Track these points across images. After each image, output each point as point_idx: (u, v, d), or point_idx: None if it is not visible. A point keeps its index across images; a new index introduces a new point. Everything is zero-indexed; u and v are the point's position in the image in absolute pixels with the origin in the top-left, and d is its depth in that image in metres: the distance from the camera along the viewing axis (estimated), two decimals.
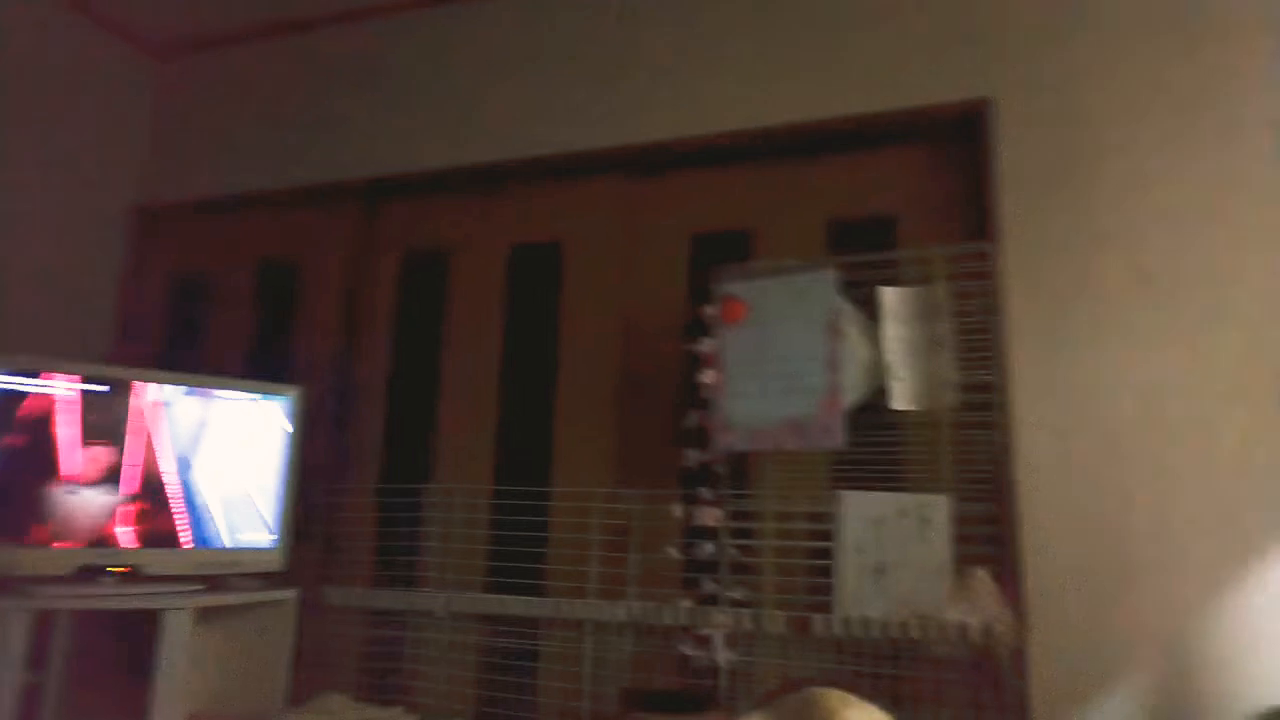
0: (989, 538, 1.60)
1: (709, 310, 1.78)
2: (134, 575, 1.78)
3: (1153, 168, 1.64)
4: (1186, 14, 1.68)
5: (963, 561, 1.57)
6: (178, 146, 2.55)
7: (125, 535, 1.80)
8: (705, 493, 1.77)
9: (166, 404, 1.87)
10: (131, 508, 1.81)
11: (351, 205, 2.35)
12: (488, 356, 2.17)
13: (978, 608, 1.54)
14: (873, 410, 1.66)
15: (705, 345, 1.76)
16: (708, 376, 1.73)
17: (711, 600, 1.73)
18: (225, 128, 2.50)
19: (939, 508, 1.59)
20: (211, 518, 1.90)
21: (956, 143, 1.86)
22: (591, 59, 2.13)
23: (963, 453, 1.64)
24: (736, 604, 1.72)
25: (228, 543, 1.91)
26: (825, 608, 1.63)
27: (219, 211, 2.47)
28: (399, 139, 2.27)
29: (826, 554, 1.65)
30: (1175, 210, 1.62)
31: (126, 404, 1.83)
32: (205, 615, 1.87)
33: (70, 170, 2.35)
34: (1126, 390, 1.58)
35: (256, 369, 2.32)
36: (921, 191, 1.89)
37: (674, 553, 1.78)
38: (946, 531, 1.58)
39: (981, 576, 1.55)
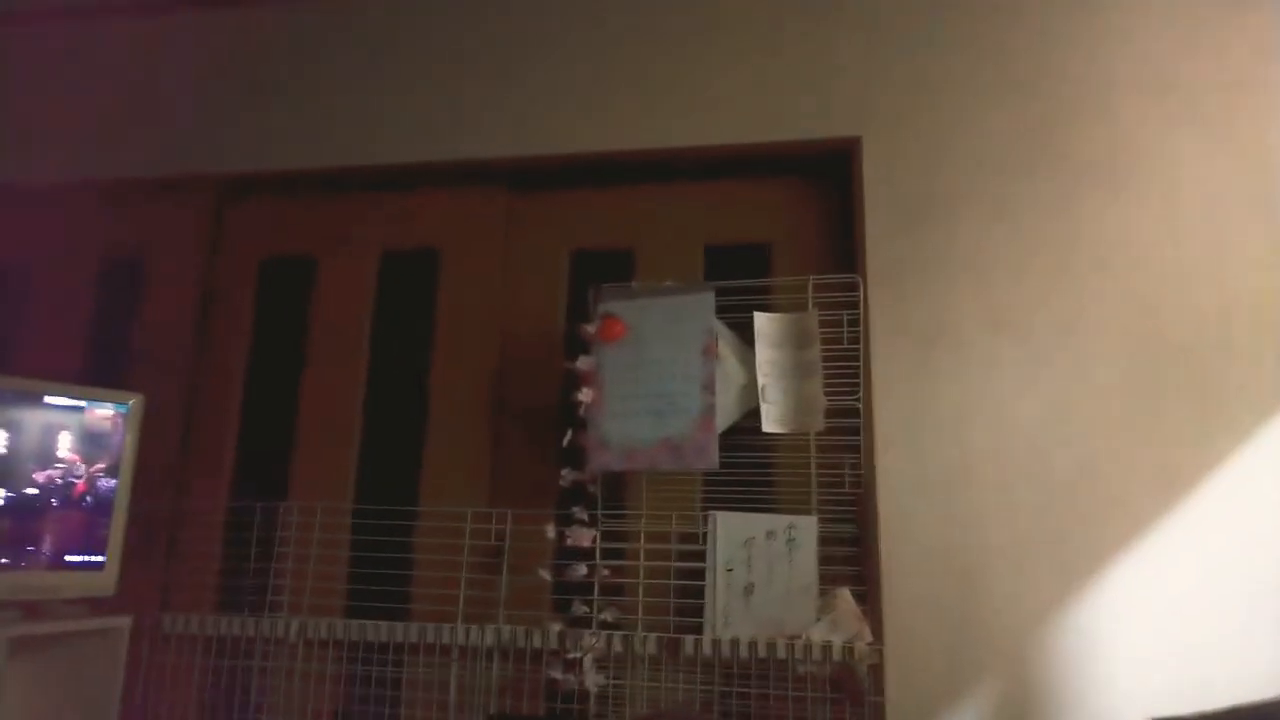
0: (853, 558, 1.66)
1: (588, 328, 1.77)
2: None
3: (1006, 215, 1.76)
4: (1041, 71, 1.82)
5: (828, 581, 1.62)
6: (13, 125, 2.31)
7: None
8: (579, 513, 1.75)
9: None
10: None
11: (203, 201, 2.19)
12: (354, 367, 2.07)
13: (841, 627, 1.58)
14: (745, 432, 1.69)
15: (583, 363, 1.75)
16: (585, 395, 1.72)
17: (583, 623, 1.71)
18: (60, 108, 2.27)
19: (807, 528, 1.64)
20: (37, 536, 1.72)
21: (829, 177, 1.93)
22: (476, 66, 2.09)
23: (829, 475, 1.70)
24: (607, 626, 1.70)
25: (50, 564, 1.72)
26: (696, 629, 1.64)
27: (52, 199, 2.25)
28: (262, 135, 2.14)
29: (698, 575, 1.66)
30: (1025, 257, 1.74)
31: None
32: (22, 646, 1.68)
33: None
34: (979, 421, 1.68)
35: (92, 372, 2.12)
36: (796, 221, 1.95)
37: (545, 575, 1.75)
38: (813, 552, 1.62)
39: (844, 596, 1.60)
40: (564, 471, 1.76)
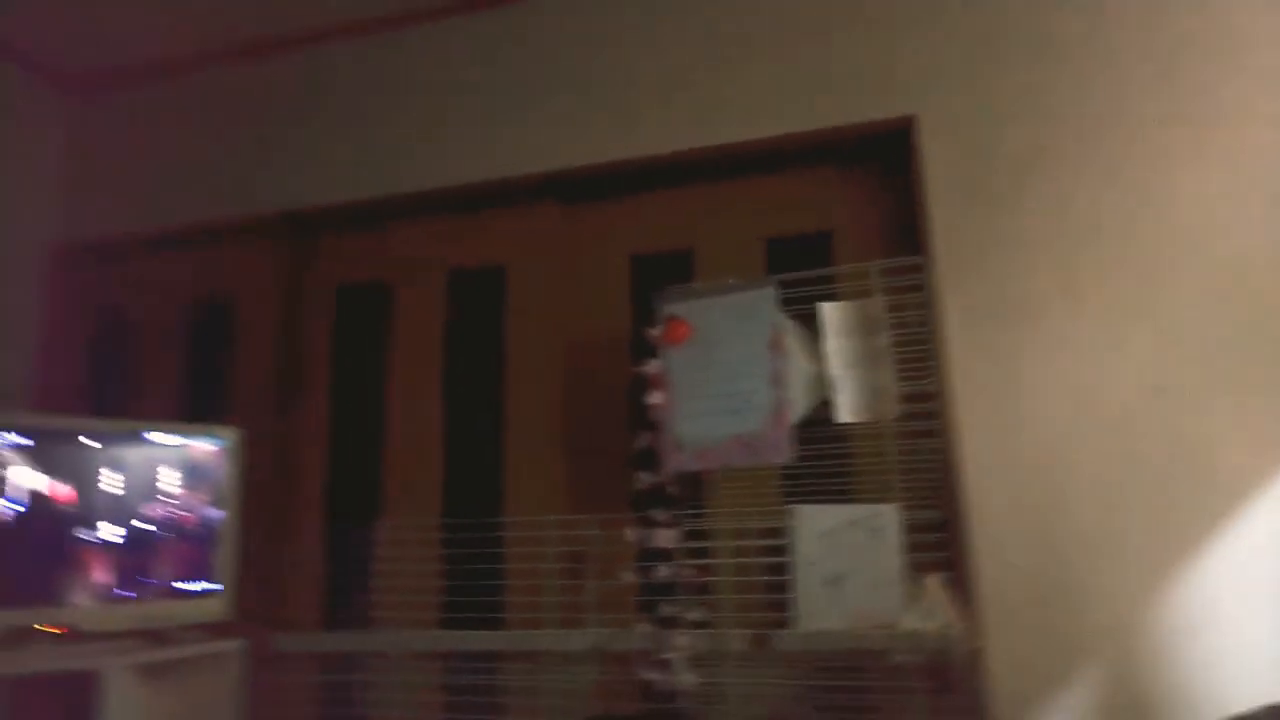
0: (939, 544, 1.63)
1: (653, 331, 1.79)
2: (70, 634, 1.70)
3: (1078, 183, 1.70)
4: (1105, 31, 1.75)
5: (915, 569, 1.60)
6: (97, 183, 2.47)
7: (63, 592, 1.72)
8: (659, 515, 1.77)
9: (105, 451, 1.80)
10: (66, 562, 1.73)
11: (282, 239, 2.30)
12: (431, 387, 2.14)
13: (933, 614, 1.56)
14: (819, 424, 1.67)
15: (651, 366, 1.76)
16: (655, 398, 1.73)
17: (670, 623, 1.73)
18: (145, 163, 2.42)
19: (889, 517, 1.61)
20: (153, 567, 1.83)
21: (888, 159, 1.90)
22: (529, 82, 2.13)
23: (908, 462, 1.67)
24: (695, 625, 1.71)
25: (166, 593, 1.84)
26: (784, 623, 1.64)
27: (143, 248, 2.39)
28: (328, 170, 2.24)
29: (781, 569, 1.66)
30: (1101, 226, 1.67)
31: (58, 453, 1.75)
32: (148, 672, 1.80)
33: None
34: (1063, 397, 1.63)
35: (192, 410, 2.25)
36: (856, 207, 1.93)
37: (630, 577, 1.77)
38: (897, 540, 1.60)
39: (934, 583, 1.57)
40: (640, 474, 1.78)
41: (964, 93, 1.80)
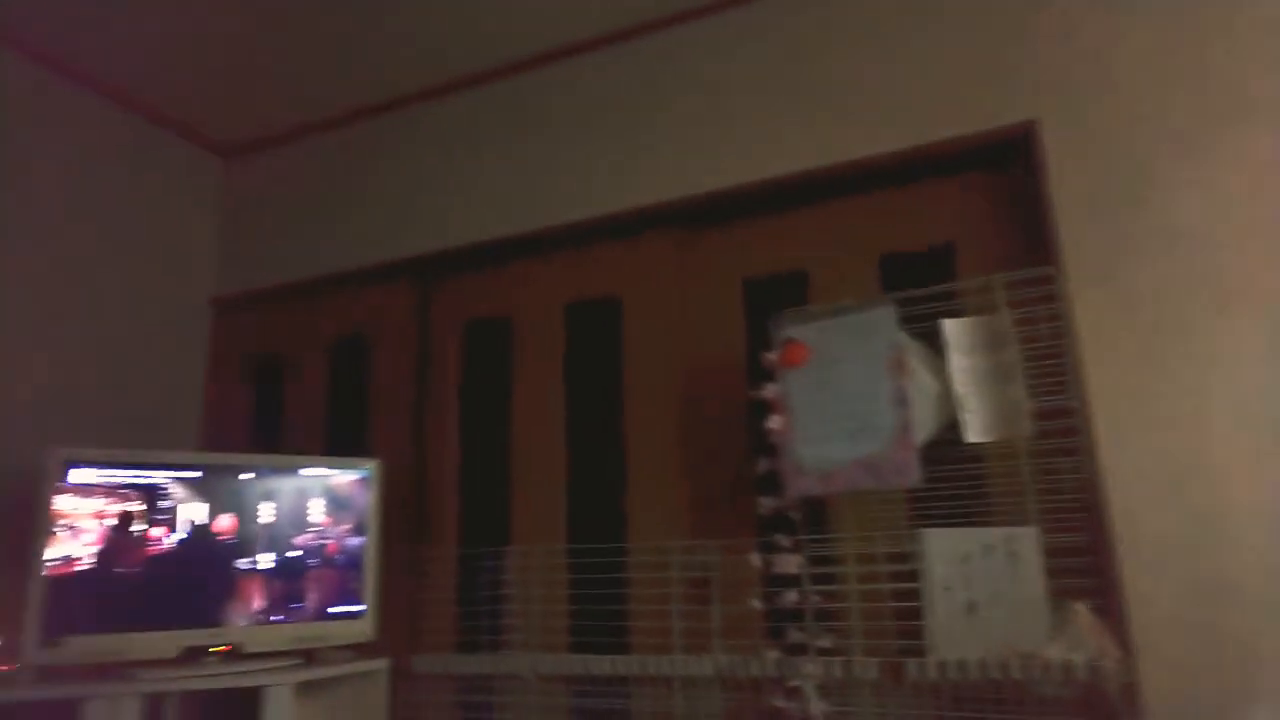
0: (1084, 569, 1.54)
1: (770, 355, 1.79)
2: (234, 653, 1.85)
3: (1217, 178, 1.59)
4: (1244, 14, 1.64)
5: (1058, 596, 1.52)
6: (246, 238, 2.70)
7: (226, 614, 1.87)
8: (783, 540, 1.75)
9: (260, 483, 1.96)
10: (230, 587, 1.89)
11: (410, 281, 2.44)
12: (554, 416, 2.20)
13: (1081, 643, 1.47)
14: (947, 445, 1.62)
15: (770, 390, 1.76)
16: (774, 422, 1.73)
17: (799, 649, 1.70)
18: (288, 217, 2.64)
19: (1027, 541, 1.54)
20: (303, 592, 1.97)
21: (1007, 167, 1.84)
22: (636, 115, 2.18)
23: (1046, 482, 1.60)
24: (824, 652, 1.69)
25: (317, 616, 1.97)
26: (918, 651, 1.59)
27: (289, 296, 2.59)
28: (452, 215, 2.36)
29: (913, 595, 1.61)
30: (1247, 223, 1.56)
31: (220, 487, 1.92)
32: (304, 690, 1.92)
33: (150, 265, 2.51)
34: (1213, 406, 1.52)
35: (338, 443, 2.41)
36: (976, 219, 1.87)
37: (756, 603, 1.76)
38: (1038, 565, 1.53)
39: (1081, 610, 1.49)
40: (762, 499, 1.77)
41: (1091, 93, 1.72)
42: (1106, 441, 1.57)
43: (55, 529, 1.74)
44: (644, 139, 2.16)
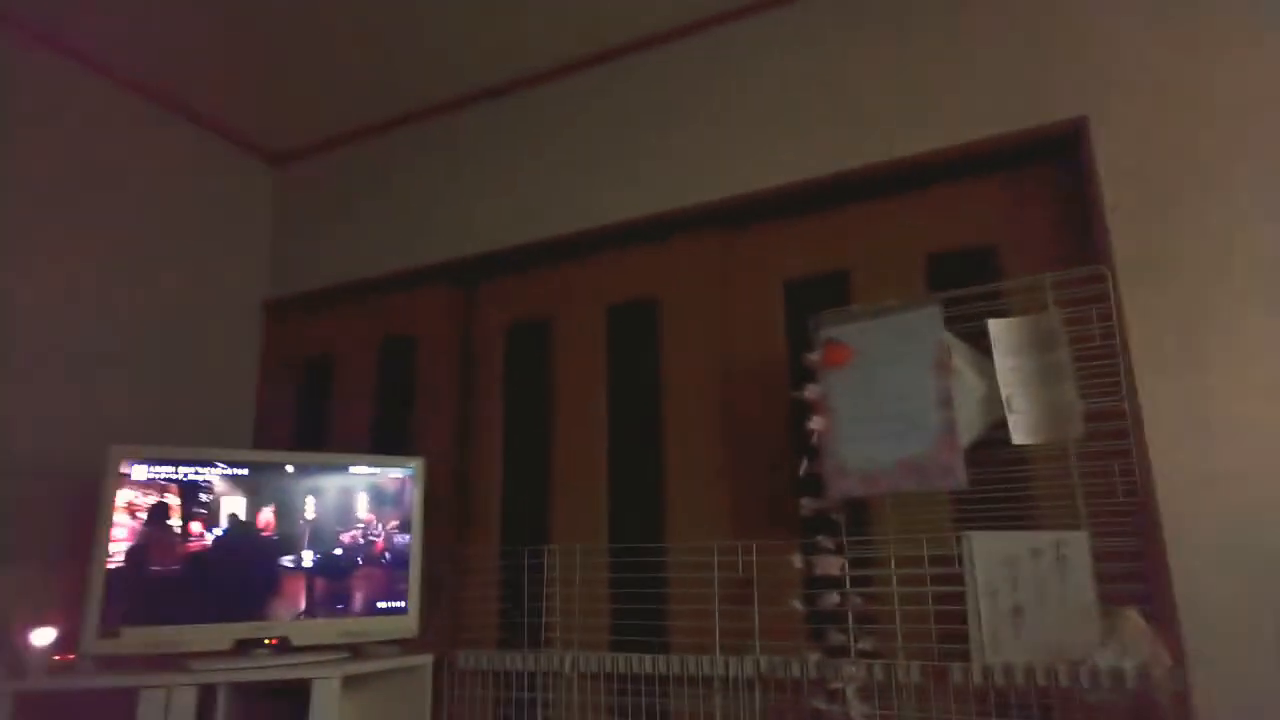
0: (1134, 575, 1.51)
1: (812, 356, 1.78)
2: (283, 646, 1.90)
3: (1272, 174, 1.55)
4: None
5: (1109, 601, 1.49)
6: (296, 242, 2.77)
7: (275, 607, 1.92)
8: (825, 541, 1.74)
9: (306, 481, 2.01)
10: (279, 581, 1.94)
11: (457, 283, 2.49)
12: (595, 416, 2.22)
13: (1131, 650, 1.44)
14: (993, 446, 1.60)
15: (811, 391, 1.75)
16: (816, 423, 1.72)
17: (840, 651, 1.69)
18: (336, 222, 2.70)
19: (1077, 544, 1.51)
20: (350, 587, 2.01)
21: (1054, 164, 1.81)
22: (679, 116, 2.19)
23: (1096, 485, 1.56)
24: (866, 655, 1.67)
25: (363, 611, 2.01)
26: (962, 655, 1.57)
27: (337, 299, 2.65)
28: (495, 218, 2.39)
29: (957, 599, 1.59)
30: None
31: (271, 484, 1.97)
32: (350, 683, 1.96)
33: (205, 270, 2.58)
34: (1267, 406, 1.47)
35: (383, 442, 2.46)
36: (1024, 217, 1.84)
37: (798, 604, 1.75)
38: (1088, 569, 1.50)
39: (1132, 616, 1.46)
40: (804, 500, 1.76)
41: (1141, 89, 1.68)
42: (1157, 444, 1.53)
43: (113, 523, 1.80)
44: (682, 141, 2.17)
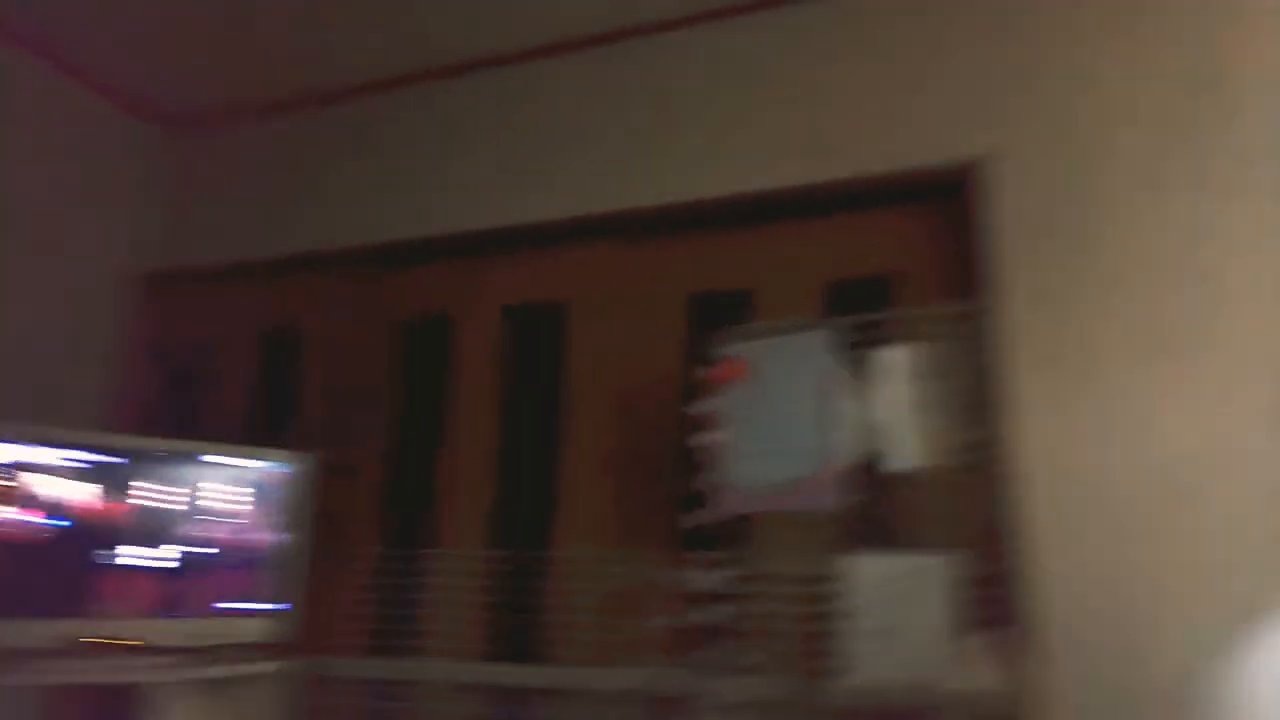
0: (996, 599, 1.57)
1: (708, 371, 1.79)
2: (130, 647, 1.76)
3: (1149, 229, 1.65)
4: (1178, 58, 1.71)
5: (971, 623, 1.54)
6: (183, 214, 2.61)
7: (122, 605, 1.78)
8: (708, 556, 1.75)
9: (167, 470, 1.88)
10: (129, 576, 1.80)
11: (349, 273, 2.39)
12: (488, 419, 2.17)
13: (987, 671, 1.50)
14: (874, 470, 1.64)
15: (705, 406, 1.76)
16: (708, 438, 1.73)
17: (715, 667, 1.70)
18: (229, 196, 2.56)
19: (944, 569, 1.56)
20: (210, 586, 1.89)
21: (952, 201, 1.88)
22: (593, 124, 2.18)
23: (966, 512, 1.62)
24: (741, 671, 1.68)
25: (226, 612, 1.89)
26: (833, 673, 1.59)
27: (222, 278, 2.52)
28: (395, 208, 2.32)
29: (832, 618, 1.62)
30: (1170, 274, 1.61)
31: (127, 471, 1.84)
32: (206, 688, 1.84)
33: (71, 237, 2.39)
34: (1128, 449, 1.56)
35: (259, 434, 2.33)
36: (919, 250, 1.90)
37: (677, 619, 1.75)
38: (953, 593, 1.55)
39: (991, 638, 1.51)
40: (690, 515, 1.76)
41: (1037, 135, 1.76)
42: (1024, 475, 1.60)
43: None
44: (597, 147, 2.15)
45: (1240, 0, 1.69)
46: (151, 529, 1.84)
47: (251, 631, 1.91)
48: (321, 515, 2.17)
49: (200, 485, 1.92)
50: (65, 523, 1.75)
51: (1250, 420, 1.51)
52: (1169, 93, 1.70)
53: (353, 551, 2.18)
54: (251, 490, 1.97)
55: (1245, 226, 1.60)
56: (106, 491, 1.81)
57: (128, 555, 1.81)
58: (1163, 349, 1.59)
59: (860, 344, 1.71)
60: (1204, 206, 1.63)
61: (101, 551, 1.78)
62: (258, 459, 1.99)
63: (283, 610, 1.95)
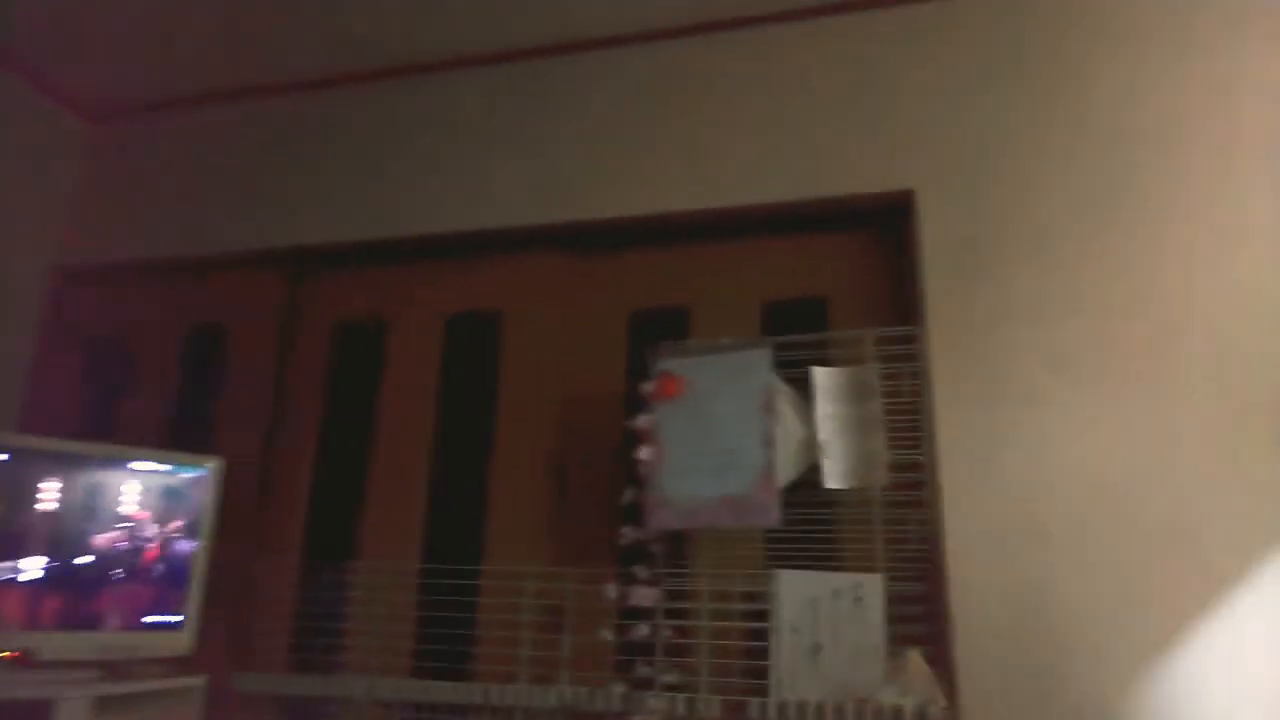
0: (922, 617, 1.61)
1: (646, 386, 1.79)
2: (25, 660, 1.65)
3: (1072, 262, 1.73)
4: (1098, 112, 1.81)
5: (897, 642, 1.57)
6: (105, 208, 2.48)
7: (17, 616, 1.67)
8: (640, 572, 1.74)
9: (77, 473, 1.77)
10: (25, 586, 1.69)
11: (279, 274, 2.31)
12: (422, 429, 2.12)
13: (912, 689, 1.53)
14: (807, 488, 1.67)
15: (642, 421, 1.76)
16: (644, 453, 1.73)
17: (646, 684, 1.69)
18: (154, 191, 2.45)
19: (873, 587, 1.60)
20: (110, 597, 1.78)
21: (886, 230, 1.94)
22: (534, 135, 2.17)
23: (895, 532, 1.66)
24: (671, 688, 1.68)
25: (128, 625, 1.79)
26: (761, 691, 1.60)
27: (144, 275, 2.40)
28: (330, 209, 2.26)
29: (762, 635, 1.63)
30: (1094, 304, 1.70)
31: (31, 474, 1.73)
32: (105, 705, 1.74)
33: None
34: (1050, 474, 1.63)
35: (178, 438, 2.23)
36: (853, 275, 1.95)
37: (608, 635, 1.74)
38: (880, 611, 1.58)
39: (915, 657, 1.55)
40: (624, 530, 1.76)
41: (963, 172, 1.84)
42: (949, 497, 1.66)
43: None
44: (538, 159, 2.15)
45: (1142, 42, 1.81)
46: (57, 536, 1.74)
47: (160, 645, 1.81)
48: (238, 523, 2.08)
49: (112, 490, 1.81)
50: None
51: (1170, 445, 1.60)
52: (1087, 136, 1.80)
53: (273, 562, 2.10)
54: (163, 495, 1.88)
55: (1158, 259, 1.69)
56: (9, 494, 1.70)
57: (27, 564, 1.70)
58: (1084, 375, 1.67)
59: (796, 363, 1.74)
60: (1118, 238, 1.72)
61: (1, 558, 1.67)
62: (170, 463, 1.89)
63: (193, 623, 1.86)
